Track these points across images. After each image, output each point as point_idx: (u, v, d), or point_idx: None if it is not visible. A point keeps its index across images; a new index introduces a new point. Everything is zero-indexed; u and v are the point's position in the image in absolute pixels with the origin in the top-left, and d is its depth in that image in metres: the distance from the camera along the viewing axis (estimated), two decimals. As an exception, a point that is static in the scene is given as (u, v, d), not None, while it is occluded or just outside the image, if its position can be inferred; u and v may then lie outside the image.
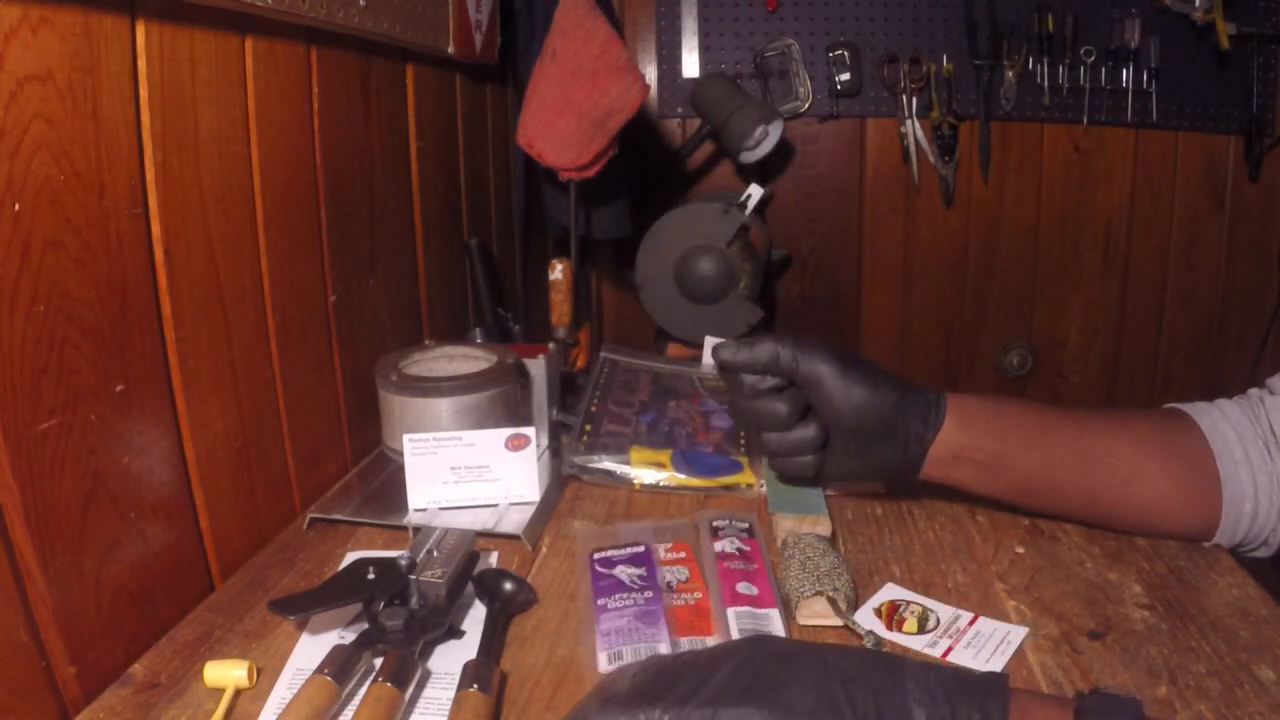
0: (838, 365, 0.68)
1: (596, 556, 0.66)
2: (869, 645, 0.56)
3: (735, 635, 0.56)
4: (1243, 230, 1.63)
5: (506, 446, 0.76)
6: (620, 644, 0.55)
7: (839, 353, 0.69)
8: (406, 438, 0.76)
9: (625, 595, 0.60)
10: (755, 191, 1.29)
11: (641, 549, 0.66)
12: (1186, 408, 0.71)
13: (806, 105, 1.60)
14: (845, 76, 1.58)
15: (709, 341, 1.14)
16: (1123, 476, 0.67)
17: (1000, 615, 0.62)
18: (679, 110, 1.65)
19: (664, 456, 0.85)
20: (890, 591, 0.63)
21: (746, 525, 0.70)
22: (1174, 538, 0.70)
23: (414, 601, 0.58)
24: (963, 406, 0.69)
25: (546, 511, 0.78)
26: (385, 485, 0.81)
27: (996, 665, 0.55)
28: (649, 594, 0.60)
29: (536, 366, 0.91)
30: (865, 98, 1.60)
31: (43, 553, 0.50)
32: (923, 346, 1.73)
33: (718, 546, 0.66)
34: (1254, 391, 0.70)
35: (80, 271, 0.53)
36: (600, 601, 0.60)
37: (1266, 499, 0.65)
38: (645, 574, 0.63)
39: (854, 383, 0.67)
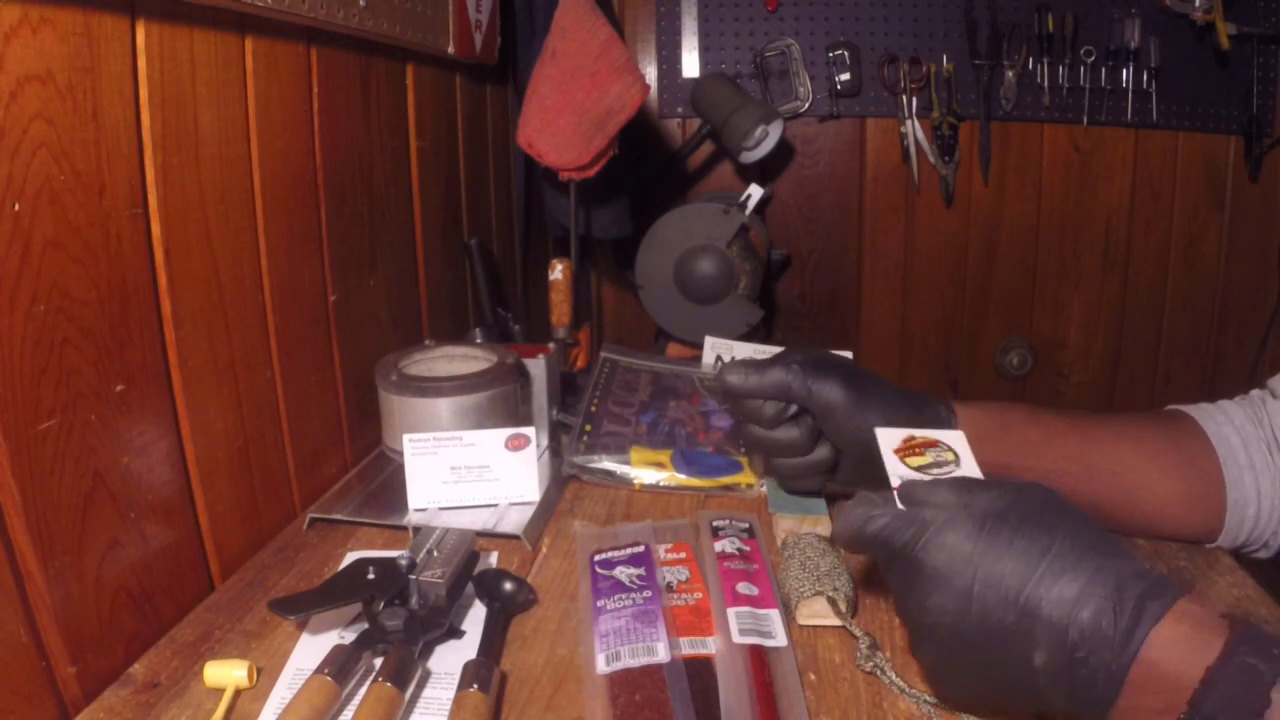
0: (851, 394, 0.66)
1: (597, 558, 0.66)
2: (864, 648, 0.56)
3: (736, 636, 0.56)
4: (1243, 230, 1.63)
5: (506, 446, 0.76)
6: (618, 644, 0.55)
7: (850, 376, 0.67)
8: (406, 438, 0.76)
9: (624, 596, 0.60)
10: (755, 191, 1.28)
11: (641, 549, 0.66)
12: (1190, 410, 0.70)
13: (806, 105, 1.60)
14: (845, 76, 1.58)
15: (709, 341, 1.14)
16: (1127, 485, 0.67)
17: (1000, 615, 0.62)
18: (679, 110, 1.65)
19: (664, 456, 0.85)
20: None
21: (746, 525, 0.70)
22: (1177, 540, 0.70)
23: (414, 601, 0.58)
24: (970, 423, 0.68)
25: (546, 511, 0.78)
26: (385, 485, 0.81)
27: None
28: (647, 594, 0.60)
29: (536, 366, 0.91)
30: (865, 98, 1.60)
31: (43, 553, 0.50)
32: (923, 346, 1.73)
33: (718, 546, 0.66)
34: (1256, 393, 0.70)
35: (80, 271, 0.53)
36: (599, 603, 0.60)
37: (1269, 503, 0.65)
38: (644, 574, 0.63)
39: (867, 411, 0.66)
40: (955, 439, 0.58)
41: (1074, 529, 0.45)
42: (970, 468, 0.55)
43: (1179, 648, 0.41)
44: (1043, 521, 0.46)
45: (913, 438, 0.58)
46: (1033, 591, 0.43)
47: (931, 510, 0.48)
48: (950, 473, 0.54)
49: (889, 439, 0.58)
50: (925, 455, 0.56)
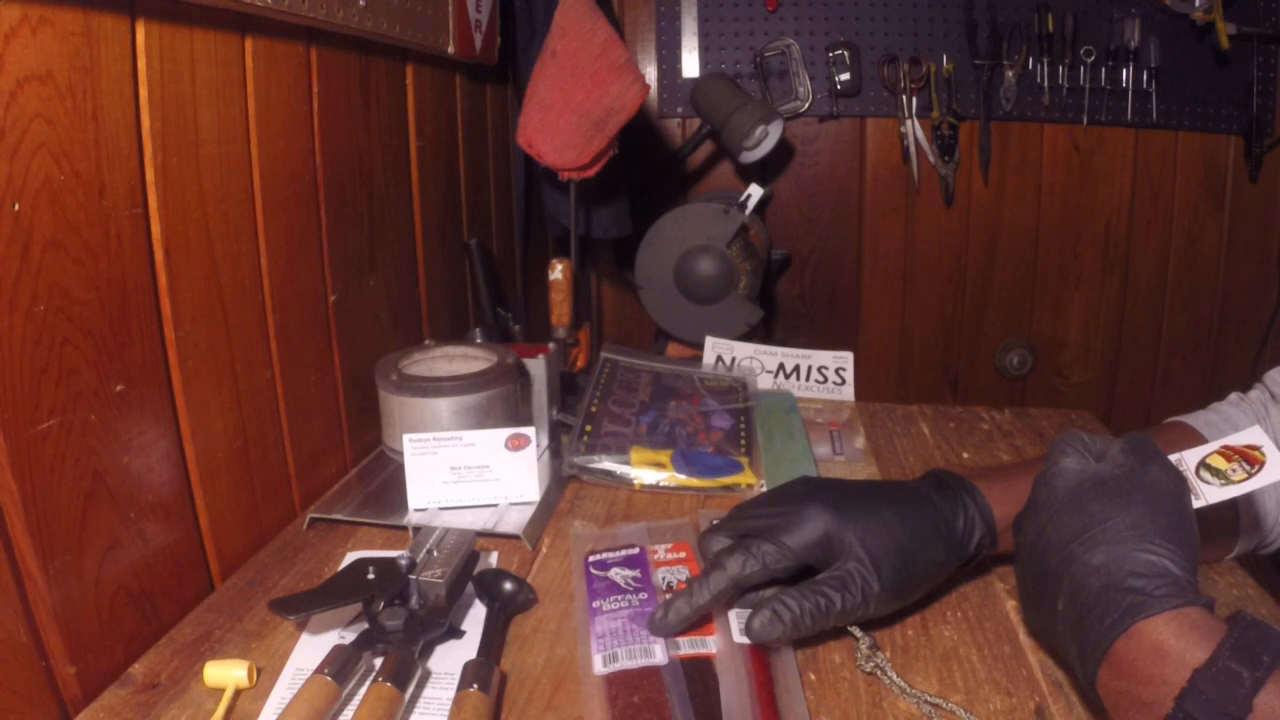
0: (888, 582, 0.57)
1: (591, 559, 0.66)
2: (864, 648, 0.56)
3: (735, 635, 0.56)
4: (1243, 230, 1.63)
5: (506, 446, 0.76)
6: (615, 645, 0.55)
7: (885, 556, 0.57)
8: (406, 438, 0.76)
9: (620, 597, 0.60)
10: (755, 191, 1.29)
11: (635, 551, 0.66)
12: (1195, 424, 0.68)
13: (806, 105, 1.60)
14: (845, 76, 1.58)
15: (709, 341, 1.14)
16: None
17: (1000, 616, 0.62)
18: (679, 110, 1.65)
19: (664, 457, 0.85)
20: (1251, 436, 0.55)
21: (746, 525, 0.70)
22: None
23: (414, 601, 0.58)
24: (994, 501, 0.62)
25: (546, 511, 0.78)
26: (385, 485, 0.81)
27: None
28: (643, 595, 0.60)
29: (536, 366, 0.91)
30: (865, 98, 1.60)
31: (43, 553, 0.50)
32: (923, 346, 1.72)
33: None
34: (1256, 394, 0.69)
35: (80, 271, 0.53)
36: (595, 604, 0.60)
37: (1272, 519, 0.65)
38: (639, 576, 0.63)
39: (905, 587, 0.58)
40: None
41: (1145, 516, 0.47)
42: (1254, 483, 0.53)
43: (1165, 646, 0.42)
44: (1125, 500, 0.48)
45: (1232, 448, 0.56)
46: (1075, 548, 0.48)
47: (1074, 456, 0.53)
48: (1210, 483, 0.54)
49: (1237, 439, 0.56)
50: (1231, 462, 0.55)
